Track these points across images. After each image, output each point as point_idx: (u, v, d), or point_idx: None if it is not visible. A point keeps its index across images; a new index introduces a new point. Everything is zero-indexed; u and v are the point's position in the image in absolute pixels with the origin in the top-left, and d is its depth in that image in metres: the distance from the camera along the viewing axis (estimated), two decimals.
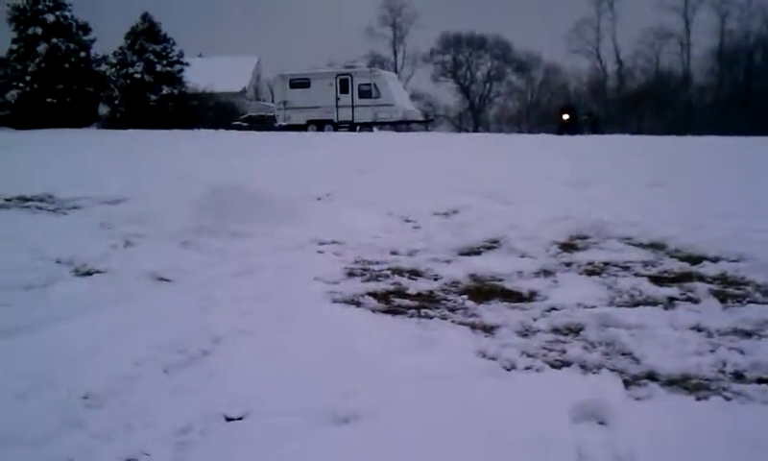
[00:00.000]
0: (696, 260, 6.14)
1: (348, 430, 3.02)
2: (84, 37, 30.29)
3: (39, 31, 28.63)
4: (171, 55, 31.07)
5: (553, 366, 3.78)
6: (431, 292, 5.38)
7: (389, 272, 5.97)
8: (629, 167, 13.09)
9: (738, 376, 3.63)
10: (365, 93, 29.66)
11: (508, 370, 3.74)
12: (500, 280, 5.70)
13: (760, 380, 3.55)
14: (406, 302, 5.12)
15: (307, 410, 3.16)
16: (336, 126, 29.68)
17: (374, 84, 29.69)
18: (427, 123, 34.58)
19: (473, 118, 64.55)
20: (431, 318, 4.67)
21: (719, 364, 3.77)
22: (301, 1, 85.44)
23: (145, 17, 30.99)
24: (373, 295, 5.24)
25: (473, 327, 4.49)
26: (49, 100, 28.05)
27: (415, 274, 5.95)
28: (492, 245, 7.03)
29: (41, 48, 28.36)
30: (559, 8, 77.70)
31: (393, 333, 4.31)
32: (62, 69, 28.53)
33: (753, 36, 55.99)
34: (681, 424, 2.99)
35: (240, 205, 7.72)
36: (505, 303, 5.05)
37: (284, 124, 29.88)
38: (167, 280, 5.57)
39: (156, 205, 8.66)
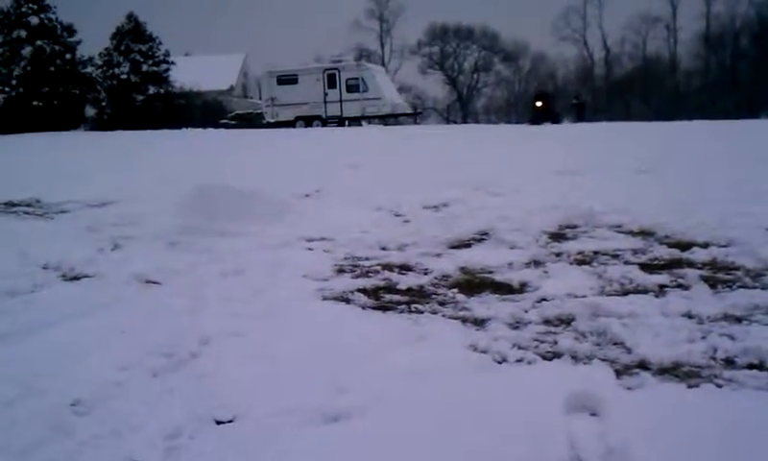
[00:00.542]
0: (686, 246, 6.15)
1: (339, 429, 2.99)
2: (70, 39, 30.09)
3: (24, 34, 28.43)
4: (157, 54, 30.98)
5: (544, 358, 3.77)
6: (421, 286, 5.36)
7: (379, 267, 5.94)
8: (617, 154, 13.10)
9: (729, 363, 3.63)
10: (353, 88, 29.60)
11: (499, 363, 3.72)
12: (490, 273, 5.69)
13: (751, 366, 3.55)
14: (396, 297, 5.10)
15: (298, 410, 3.13)
16: (325, 121, 29.60)
17: (362, 79, 29.64)
18: (416, 116, 34.55)
19: (462, 109, 64.57)
20: (421, 313, 4.66)
21: (710, 351, 3.76)
22: None
23: (130, 17, 30.87)
24: (363, 291, 5.21)
25: (464, 320, 4.47)
26: (35, 103, 27.88)
27: (405, 268, 5.93)
28: (482, 237, 7.01)
29: (26, 51, 28.17)
30: None
31: (383, 329, 4.29)
32: (48, 72, 28.32)
33: (739, 20, 56.26)
34: (673, 412, 2.97)
35: (228, 204, 7.69)
36: (495, 296, 5.04)
37: (272, 121, 29.79)
38: (155, 283, 5.52)
39: (143, 206, 8.62)
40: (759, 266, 5.39)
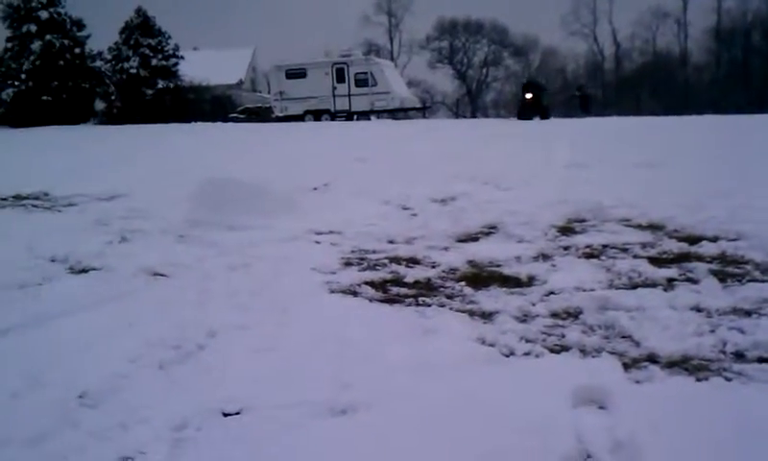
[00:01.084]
0: (695, 240, 6.11)
1: (346, 422, 2.99)
2: (79, 34, 30.07)
3: (34, 28, 28.43)
4: (166, 49, 30.90)
5: (552, 351, 3.75)
6: (429, 280, 5.35)
7: (386, 260, 5.93)
8: (626, 149, 13.02)
9: (739, 356, 3.60)
10: (361, 82, 29.50)
11: (507, 356, 3.71)
12: (498, 266, 5.67)
13: (761, 360, 3.52)
14: (404, 290, 5.09)
15: (305, 403, 3.13)
16: (333, 115, 29.54)
17: (371, 73, 29.54)
18: (424, 110, 34.43)
19: (471, 104, 64.35)
20: (429, 306, 4.64)
21: (719, 344, 3.74)
22: None
23: (139, 11, 30.81)
24: (371, 284, 5.20)
25: (471, 313, 4.46)
26: (45, 97, 27.88)
27: (412, 262, 5.91)
28: (491, 231, 6.99)
29: (36, 45, 28.17)
30: None
31: (390, 322, 4.28)
32: (57, 66, 28.32)
33: (750, 14, 55.77)
34: (681, 405, 2.95)
35: (236, 197, 7.69)
36: (503, 289, 5.02)
37: (281, 115, 29.75)
38: (163, 275, 5.53)
39: (151, 200, 8.64)
40: None
